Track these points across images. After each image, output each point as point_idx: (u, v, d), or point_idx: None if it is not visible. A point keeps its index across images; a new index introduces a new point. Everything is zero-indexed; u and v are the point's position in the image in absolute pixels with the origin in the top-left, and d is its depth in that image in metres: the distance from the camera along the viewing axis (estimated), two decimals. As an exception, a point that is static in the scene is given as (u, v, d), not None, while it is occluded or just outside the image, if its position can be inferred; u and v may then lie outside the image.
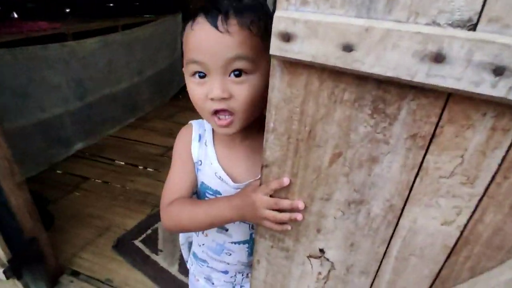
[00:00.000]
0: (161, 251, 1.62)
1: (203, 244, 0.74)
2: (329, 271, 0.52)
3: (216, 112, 0.54)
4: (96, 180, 2.15)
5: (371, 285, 0.49)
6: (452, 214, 0.39)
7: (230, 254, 0.71)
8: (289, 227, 0.51)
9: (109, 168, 2.29)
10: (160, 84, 3.33)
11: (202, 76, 0.52)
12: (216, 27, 0.49)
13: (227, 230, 0.68)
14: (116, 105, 2.75)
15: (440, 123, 0.35)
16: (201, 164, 0.63)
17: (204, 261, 0.76)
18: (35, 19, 2.33)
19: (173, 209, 0.59)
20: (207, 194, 0.65)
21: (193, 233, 0.78)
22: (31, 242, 1.27)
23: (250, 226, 0.68)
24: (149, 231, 1.74)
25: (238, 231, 0.68)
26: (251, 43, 0.50)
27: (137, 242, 1.67)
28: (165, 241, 1.68)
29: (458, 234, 0.39)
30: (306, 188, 0.48)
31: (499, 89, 0.30)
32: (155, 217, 1.84)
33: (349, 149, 0.42)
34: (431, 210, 0.39)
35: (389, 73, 0.33)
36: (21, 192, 1.18)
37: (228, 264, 0.73)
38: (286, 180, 0.48)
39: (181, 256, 1.59)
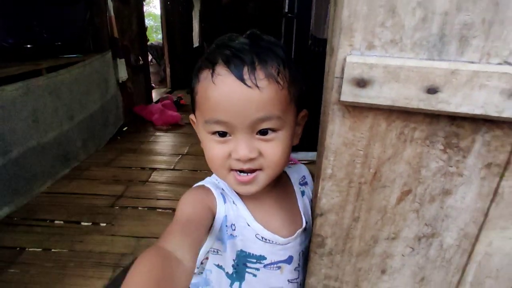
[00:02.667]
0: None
1: None
2: (396, 312, 0.51)
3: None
4: (35, 249, 1.80)
5: (445, 317, 0.49)
6: (527, 233, 0.41)
7: None
8: None
9: (48, 231, 1.95)
10: (93, 128, 3.04)
11: (223, 134, 0.48)
12: (243, 80, 0.44)
13: (279, 267, 0.56)
14: (46, 157, 2.40)
15: (514, 151, 0.37)
16: (234, 229, 0.53)
17: None
18: None
19: (144, 257, 0.37)
20: (248, 264, 0.55)
21: None
22: None
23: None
24: (116, 298, 1.50)
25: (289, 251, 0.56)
26: (280, 98, 0.46)
27: (104, 315, 1.43)
28: (138, 305, 1.47)
29: (532, 250, 0.41)
30: (369, 230, 0.46)
31: None
32: (120, 280, 1.61)
33: (420, 186, 0.42)
34: (507, 232, 0.41)
35: (477, 111, 0.34)
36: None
37: None
38: None
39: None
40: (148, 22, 4.82)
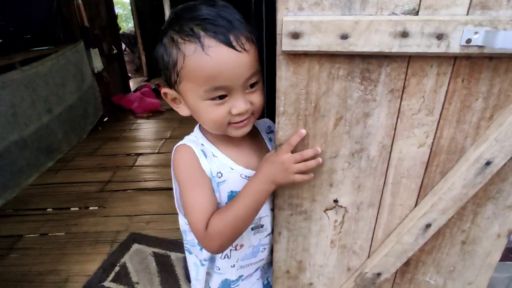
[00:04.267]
0: (137, 283, 1.55)
1: (236, 262, 0.72)
2: (343, 216, 0.66)
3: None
4: (32, 235, 1.89)
5: (378, 212, 0.65)
6: (423, 138, 0.56)
7: (265, 249, 0.74)
8: (312, 175, 0.59)
9: (43, 218, 2.03)
10: (73, 120, 3.06)
11: (223, 96, 0.56)
12: (234, 47, 0.52)
13: (262, 226, 0.70)
14: (29, 150, 2.44)
15: (407, 78, 0.52)
16: (222, 176, 0.63)
17: (239, 277, 0.75)
18: None
19: (214, 228, 0.58)
20: None
21: (216, 265, 0.74)
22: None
23: None
24: (117, 268, 1.63)
25: (271, 220, 0.71)
26: (256, 55, 0.57)
27: (108, 283, 1.55)
28: (138, 272, 1.61)
29: (429, 151, 0.57)
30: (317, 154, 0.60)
31: (442, 47, 0.47)
32: (118, 252, 1.73)
33: (348, 112, 0.56)
34: (410, 140, 0.57)
35: (375, 49, 0.48)
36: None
37: (262, 259, 0.76)
38: (303, 131, 0.57)
39: (161, 281, 1.55)
40: (116, 10, 4.72)
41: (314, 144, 0.59)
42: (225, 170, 0.64)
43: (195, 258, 0.76)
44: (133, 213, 2.05)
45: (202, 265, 0.73)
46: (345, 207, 0.65)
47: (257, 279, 0.80)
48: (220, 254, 0.71)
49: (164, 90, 0.62)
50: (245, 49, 0.53)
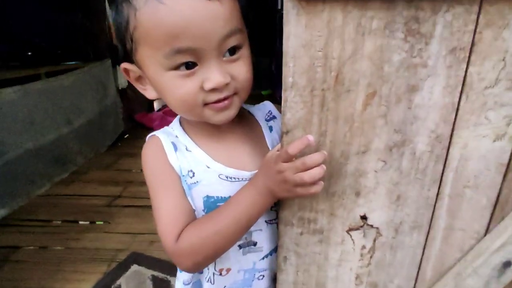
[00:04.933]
0: (129, 309, 1.37)
1: None
2: (374, 240, 0.47)
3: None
4: (30, 247, 1.78)
5: (426, 238, 0.45)
6: (502, 125, 0.37)
7: (263, 276, 0.57)
8: (321, 186, 0.41)
9: (44, 231, 1.93)
10: (91, 133, 3.05)
11: (191, 66, 0.42)
12: None
13: (255, 244, 0.54)
14: (43, 160, 2.40)
15: (478, 29, 0.35)
16: (194, 175, 0.50)
17: None
18: None
19: (187, 241, 0.45)
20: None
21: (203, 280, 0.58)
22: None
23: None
24: (110, 291, 1.46)
25: (268, 236, 0.55)
26: (237, 9, 0.44)
27: (97, 308, 1.38)
28: (132, 296, 1.43)
29: (511, 147, 0.38)
30: (338, 145, 0.43)
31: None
32: (115, 273, 1.57)
33: (384, 85, 0.39)
34: (481, 128, 0.38)
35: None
36: None
37: None
38: (310, 138, 0.40)
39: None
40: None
41: (335, 131, 0.42)
42: (198, 169, 0.49)
43: (178, 280, 0.58)
44: (137, 231, 1.91)
45: None
46: (377, 228, 0.46)
47: None
48: (205, 276, 0.54)
49: (123, 65, 0.48)
50: None
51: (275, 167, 0.42)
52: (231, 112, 0.47)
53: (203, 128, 0.51)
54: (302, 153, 0.41)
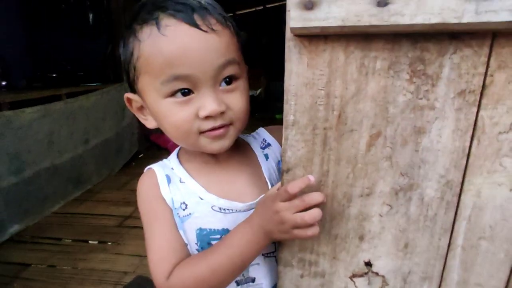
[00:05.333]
0: None
1: None
2: (380, 289, 0.43)
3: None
4: (39, 266, 1.79)
5: (437, 291, 0.41)
6: (519, 174, 0.34)
7: None
8: (318, 230, 0.39)
9: (54, 249, 1.94)
10: (107, 153, 3.12)
11: (187, 93, 0.44)
12: (197, 26, 0.41)
13: (253, 280, 0.52)
14: (59, 179, 2.45)
15: (489, 72, 0.33)
16: (186, 208, 0.49)
17: None
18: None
19: (180, 277, 0.44)
20: (212, 242, 0.49)
21: None
22: None
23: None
24: (113, 317, 1.43)
25: (266, 271, 0.52)
26: (234, 42, 0.46)
27: (99, 334, 1.35)
28: (134, 325, 1.39)
29: (530, 197, 0.35)
30: (341, 186, 0.41)
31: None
32: (119, 297, 1.54)
33: (389, 126, 0.37)
34: (496, 176, 0.35)
35: (434, 20, 0.30)
36: None
37: None
38: (311, 178, 0.39)
39: None
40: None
41: (337, 172, 0.40)
42: (191, 200, 0.49)
43: None
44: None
45: None
46: (382, 276, 0.43)
47: None
48: None
49: (127, 95, 0.51)
50: (213, 30, 0.42)
51: (273, 206, 0.41)
52: (226, 142, 0.47)
53: (199, 158, 0.51)
54: (301, 193, 0.39)
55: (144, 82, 0.45)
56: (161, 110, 0.45)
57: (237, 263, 0.42)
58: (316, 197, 0.39)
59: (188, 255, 0.48)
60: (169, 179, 0.50)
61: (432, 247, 0.40)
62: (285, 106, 0.40)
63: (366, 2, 0.32)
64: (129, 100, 0.51)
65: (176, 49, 0.41)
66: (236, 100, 0.46)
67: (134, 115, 0.53)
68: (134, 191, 0.54)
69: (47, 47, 2.92)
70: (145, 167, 0.54)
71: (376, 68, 0.36)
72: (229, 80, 0.45)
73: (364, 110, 0.37)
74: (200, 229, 0.49)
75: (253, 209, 0.48)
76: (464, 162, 0.36)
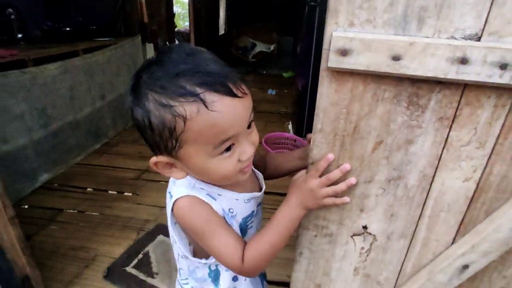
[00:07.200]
0: (156, 273, 1.59)
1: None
2: (371, 244, 0.63)
3: None
4: (71, 211, 2.03)
5: (409, 245, 0.60)
6: (470, 172, 0.52)
7: None
8: (348, 199, 0.58)
9: (81, 197, 2.18)
10: (121, 108, 3.25)
11: (230, 148, 0.53)
12: (236, 96, 0.49)
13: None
14: (80, 132, 2.63)
15: (460, 107, 0.48)
16: (233, 211, 0.63)
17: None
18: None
19: (252, 260, 0.58)
20: (247, 223, 0.67)
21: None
22: (24, 281, 1.19)
23: None
24: (140, 256, 1.69)
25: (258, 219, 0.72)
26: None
27: (130, 269, 1.62)
28: (159, 263, 1.65)
29: (475, 186, 0.52)
30: (350, 175, 0.58)
31: (504, 78, 0.43)
32: (143, 241, 1.80)
33: (389, 137, 0.53)
34: (455, 172, 0.52)
35: (429, 74, 0.45)
36: (13, 227, 1.12)
37: None
38: (330, 156, 0.55)
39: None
40: (175, 9, 4.98)
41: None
42: (233, 204, 0.63)
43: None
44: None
45: None
46: (374, 235, 0.62)
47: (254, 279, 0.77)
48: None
49: (154, 159, 0.55)
50: (245, 93, 0.51)
51: (306, 185, 0.57)
52: (250, 169, 0.60)
53: None
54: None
55: (190, 150, 0.52)
56: (211, 167, 0.54)
57: (285, 233, 0.58)
58: (336, 173, 0.55)
59: (244, 242, 0.61)
60: (212, 197, 0.60)
61: (409, 216, 0.58)
62: (315, 117, 0.55)
63: (385, 56, 0.46)
64: (156, 163, 0.56)
65: (226, 121, 0.49)
66: (255, 136, 0.58)
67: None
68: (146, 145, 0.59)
69: (63, 1, 2.92)
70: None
71: (384, 97, 0.51)
72: (250, 124, 0.55)
73: (373, 124, 0.53)
74: (242, 219, 0.65)
75: (263, 194, 0.69)
76: (436, 162, 0.52)
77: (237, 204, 0.64)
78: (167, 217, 0.64)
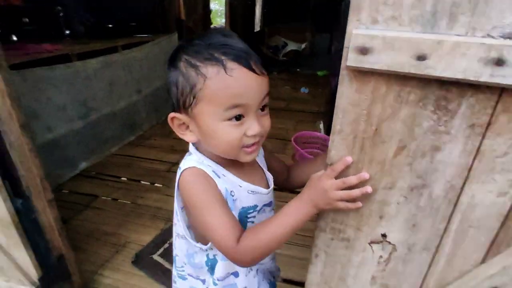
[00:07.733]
0: (181, 263, 1.64)
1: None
2: (390, 253, 0.59)
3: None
4: (106, 198, 2.15)
5: (432, 259, 0.56)
6: (505, 186, 0.47)
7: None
8: (361, 204, 0.56)
9: (116, 185, 2.29)
10: (156, 102, 3.37)
11: (239, 117, 0.57)
12: (254, 71, 0.56)
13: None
14: (116, 124, 2.77)
15: (495, 113, 0.44)
16: (234, 194, 0.64)
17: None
18: (36, 41, 2.35)
19: (248, 242, 0.57)
20: (248, 216, 0.68)
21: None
22: (59, 259, 1.28)
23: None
24: (166, 245, 1.75)
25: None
26: (268, 81, 0.60)
27: (156, 257, 1.68)
28: (183, 253, 1.70)
29: (510, 203, 0.47)
30: (369, 180, 0.55)
31: (548, 84, 0.38)
32: (170, 231, 1.85)
33: (413, 142, 0.50)
34: (488, 186, 0.47)
35: (459, 76, 0.41)
36: (51, 209, 1.20)
37: (261, 263, 0.78)
38: (349, 159, 0.54)
39: (202, 267, 1.62)
40: (213, 6, 5.06)
41: (368, 170, 0.54)
42: (235, 188, 0.65)
43: (198, 282, 0.75)
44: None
45: (215, 284, 0.72)
46: (394, 245, 0.58)
47: (254, 277, 0.76)
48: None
49: (172, 114, 0.61)
50: (262, 73, 0.57)
51: (320, 184, 0.56)
52: (255, 154, 0.62)
53: (226, 160, 0.64)
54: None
55: (204, 108, 0.56)
56: (218, 130, 0.57)
57: (292, 226, 0.57)
58: (353, 179, 0.53)
59: (242, 229, 0.60)
60: (216, 175, 0.62)
61: (433, 229, 0.54)
62: (334, 117, 0.53)
63: (408, 55, 0.43)
64: (173, 118, 0.61)
65: (239, 87, 0.55)
66: (267, 121, 0.61)
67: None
68: (180, 140, 0.65)
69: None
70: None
71: (409, 99, 0.47)
72: (263, 107, 0.60)
73: (395, 128, 0.50)
74: (243, 207, 0.66)
75: (270, 193, 0.70)
76: (466, 173, 0.48)
77: (239, 190, 0.66)
78: (175, 191, 0.66)
